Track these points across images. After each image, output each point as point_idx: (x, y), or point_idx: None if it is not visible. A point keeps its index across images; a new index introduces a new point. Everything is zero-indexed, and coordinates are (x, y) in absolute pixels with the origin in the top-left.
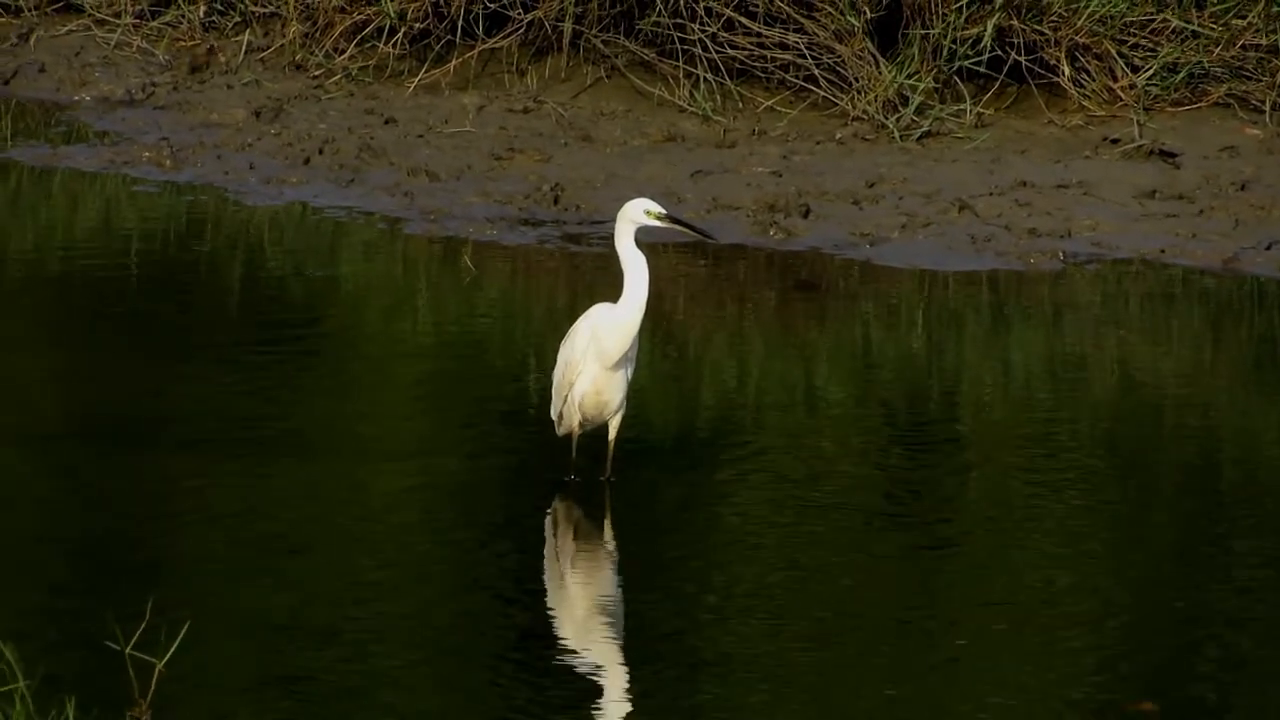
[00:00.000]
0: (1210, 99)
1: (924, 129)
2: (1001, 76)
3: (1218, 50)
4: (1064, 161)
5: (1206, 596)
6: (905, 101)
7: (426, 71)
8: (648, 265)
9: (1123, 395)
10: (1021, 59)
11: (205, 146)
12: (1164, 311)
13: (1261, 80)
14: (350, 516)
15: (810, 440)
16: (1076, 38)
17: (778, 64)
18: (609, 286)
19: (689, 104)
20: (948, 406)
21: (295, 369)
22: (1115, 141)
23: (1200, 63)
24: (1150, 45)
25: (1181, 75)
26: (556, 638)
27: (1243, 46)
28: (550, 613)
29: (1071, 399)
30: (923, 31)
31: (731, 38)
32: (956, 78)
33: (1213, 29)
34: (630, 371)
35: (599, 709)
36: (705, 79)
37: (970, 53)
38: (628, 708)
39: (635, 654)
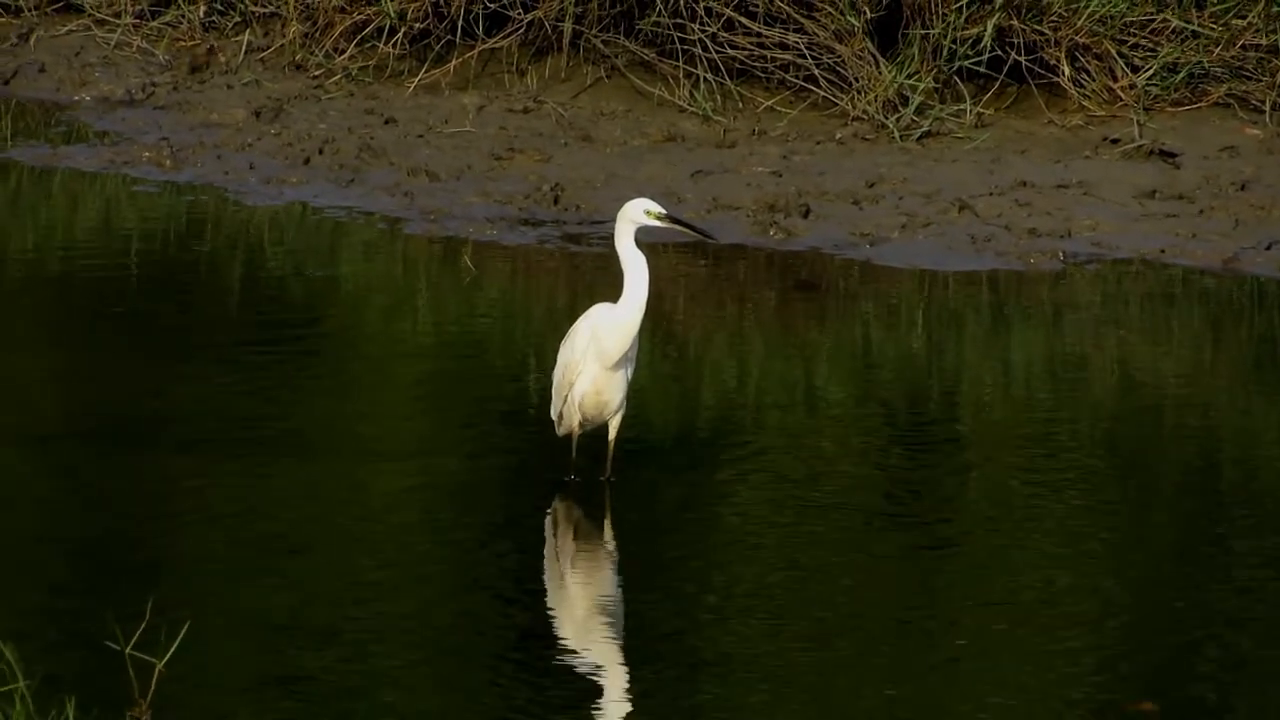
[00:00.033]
0: (1210, 99)
1: (924, 129)
2: (1001, 76)
3: (1218, 50)
4: (1064, 161)
5: (1206, 596)
6: (905, 101)
7: (426, 71)
8: (648, 265)
9: (1123, 395)
10: (1021, 59)
11: (205, 146)
12: (1164, 311)
13: (1261, 80)
14: (350, 516)
15: (810, 440)
16: (1076, 38)
17: (778, 64)
18: (609, 286)
19: (689, 104)
20: (948, 406)
21: (295, 369)
22: (1115, 141)
23: (1200, 63)
24: (1150, 45)
25: (1181, 75)
26: (556, 638)
27: (1243, 46)
28: (550, 613)
29: (1071, 399)
30: (923, 31)
31: (731, 38)
32: (956, 78)
33: (1213, 29)
34: (630, 371)
35: (599, 709)
36: (705, 79)
37: (970, 53)
38: (628, 708)
39: (635, 654)
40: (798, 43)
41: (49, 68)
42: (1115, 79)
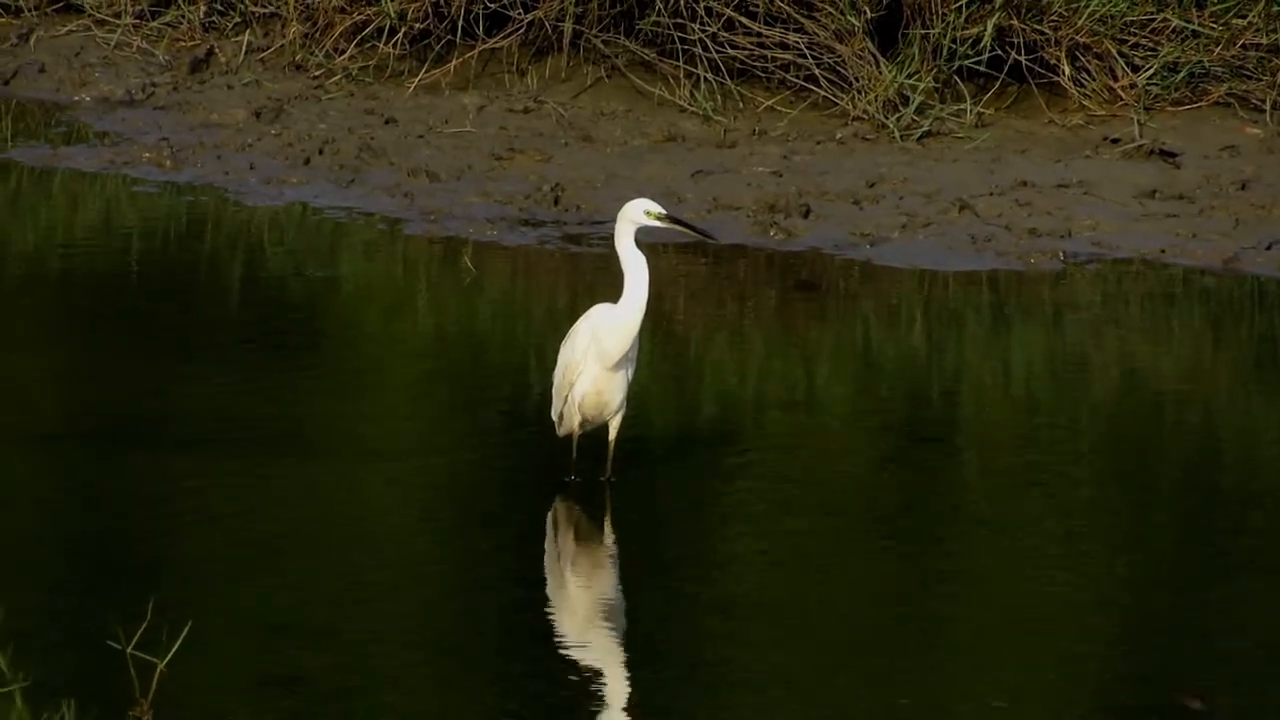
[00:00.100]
0: (1211, 98)
1: (924, 129)
2: (1002, 76)
3: (1218, 50)
4: (1064, 161)
5: (1206, 596)
6: (905, 101)
7: (427, 71)
8: (648, 265)
9: (1123, 395)
10: (1022, 59)
11: (205, 147)
12: (1164, 311)
13: (1262, 80)
14: (350, 516)
15: (810, 440)
16: (1077, 37)
17: (778, 64)
18: (609, 287)
19: (689, 104)
20: (948, 406)
21: (295, 369)
22: (1115, 141)
23: (1201, 62)
24: (1150, 45)
25: (1182, 75)
26: (556, 638)
27: (1243, 46)
28: (550, 613)
29: (1072, 399)
30: (923, 31)
31: (732, 37)
32: (957, 77)
33: (1213, 28)
34: (631, 372)
35: (599, 709)
36: (705, 79)
37: (970, 52)
38: (628, 708)
39: (635, 654)
40: (798, 42)
41: (49, 68)
42: (1115, 78)
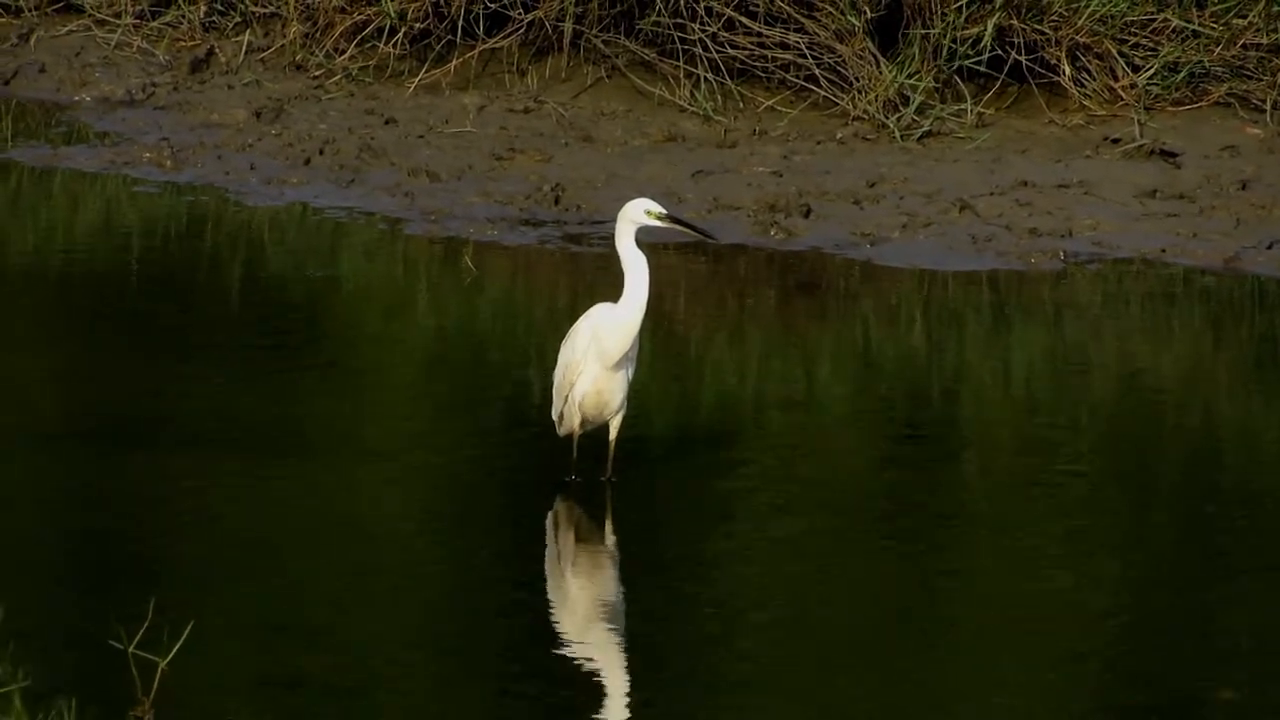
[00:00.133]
0: (1211, 98)
1: (925, 129)
2: (1002, 76)
3: (1218, 50)
4: (1065, 161)
5: (1207, 596)
6: (906, 101)
7: (427, 71)
8: (648, 265)
9: (1123, 395)
10: (1022, 59)
11: (206, 147)
12: (1165, 311)
13: (1262, 79)
14: (350, 516)
15: (811, 440)
16: (1077, 37)
17: (778, 64)
18: (610, 286)
19: (690, 104)
20: (948, 406)
21: (295, 369)
22: (1116, 141)
23: (1201, 62)
24: (1151, 45)
25: (1182, 75)
26: (556, 638)
27: (1243, 46)
28: (550, 613)
29: (1072, 399)
30: (923, 31)
31: (732, 37)
32: (957, 77)
33: (1213, 28)
34: (631, 371)
35: (599, 709)
36: (706, 79)
37: (971, 52)
38: (628, 708)
39: (635, 654)
40: (798, 42)
41: (49, 68)
42: (1116, 78)
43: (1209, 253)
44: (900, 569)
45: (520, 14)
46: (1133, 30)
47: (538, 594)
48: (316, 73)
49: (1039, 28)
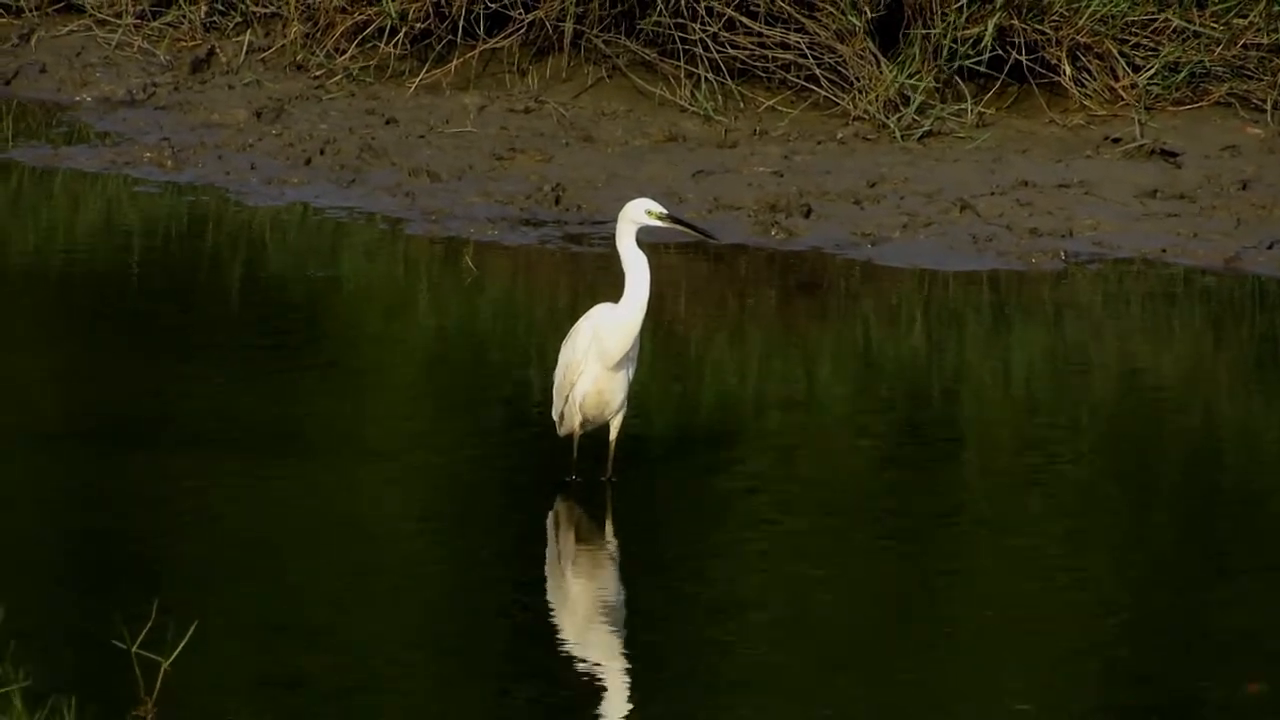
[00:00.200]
0: (1211, 98)
1: (925, 129)
2: (1002, 76)
3: (1219, 50)
4: (1065, 161)
5: (1206, 596)
6: (906, 101)
7: (428, 71)
8: (649, 265)
9: (1123, 395)
10: (1022, 58)
11: (206, 147)
12: (1165, 311)
13: (1263, 79)
14: (350, 516)
15: (811, 440)
16: (1078, 37)
17: (779, 64)
18: (610, 286)
19: (690, 104)
20: (948, 406)
21: (295, 369)
22: (1117, 141)
23: (1201, 62)
24: (1151, 45)
25: (1183, 75)
26: (556, 638)
27: (1244, 46)
28: (550, 613)
29: (1072, 399)
30: (924, 31)
31: (733, 37)
32: (957, 77)
33: (1214, 28)
34: (631, 372)
35: (599, 710)
36: (706, 79)
37: (971, 52)
38: (628, 708)
39: (635, 654)
40: (799, 42)
41: (50, 68)
42: (1116, 78)
43: (1209, 253)
44: (900, 569)
45: (521, 14)
46: (1133, 30)
47: (538, 594)
48: (317, 73)
49: (1039, 28)
